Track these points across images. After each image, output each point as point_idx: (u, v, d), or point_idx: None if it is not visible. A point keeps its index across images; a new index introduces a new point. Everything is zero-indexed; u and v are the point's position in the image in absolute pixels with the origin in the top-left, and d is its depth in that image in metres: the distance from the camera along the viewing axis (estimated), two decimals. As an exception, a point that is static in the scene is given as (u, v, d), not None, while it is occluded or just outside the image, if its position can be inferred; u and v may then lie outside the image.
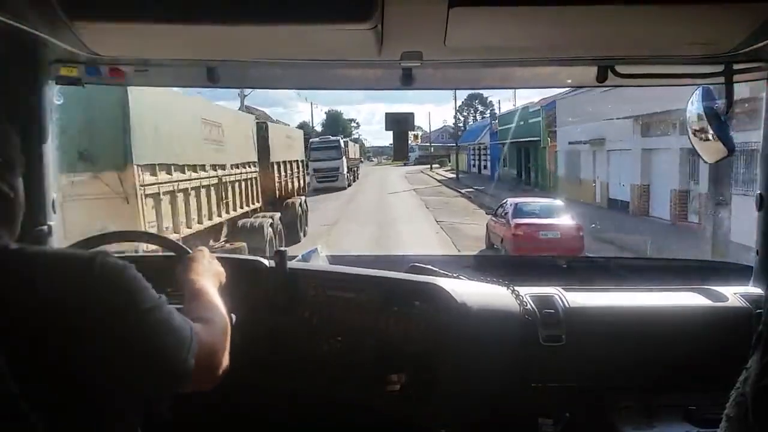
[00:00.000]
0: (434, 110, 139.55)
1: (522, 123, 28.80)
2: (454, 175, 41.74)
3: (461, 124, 68.99)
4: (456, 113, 68.44)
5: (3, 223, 0.94)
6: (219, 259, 1.49)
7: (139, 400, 0.95)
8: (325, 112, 72.82)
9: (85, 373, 0.84)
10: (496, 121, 37.17)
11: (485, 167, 41.43)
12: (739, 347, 1.06)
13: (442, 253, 11.37)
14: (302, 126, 54.84)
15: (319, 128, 61.11)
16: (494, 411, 1.81)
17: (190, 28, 1.37)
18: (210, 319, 1.10)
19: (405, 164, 57.77)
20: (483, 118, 67.97)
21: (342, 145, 31.24)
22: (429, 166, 56.25)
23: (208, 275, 1.34)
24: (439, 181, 39.33)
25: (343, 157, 30.40)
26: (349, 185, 31.46)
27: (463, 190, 28.97)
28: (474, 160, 46.45)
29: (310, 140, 31.01)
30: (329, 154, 29.55)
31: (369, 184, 36.03)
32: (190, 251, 1.56)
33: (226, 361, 1.06)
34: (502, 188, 26.65)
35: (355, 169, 38.29)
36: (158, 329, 0.91)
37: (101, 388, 0.87)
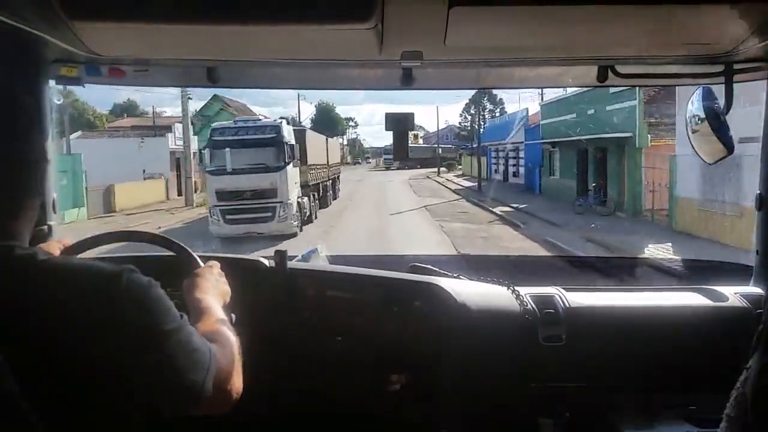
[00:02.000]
0: (434, 111, 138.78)
1: (592, 112, 18.81)
2: (471, 183, 32.28)
3: (467, 124, 62.89)
4: (463, 112, 62.49)
5: (28, 225, 0.95)
6: (218, 258, 1.49)
7: (148, 413, 0.95)
8: (315, 106, 60.46)
9: (98, 385, 0.85)
10: (537, 112, 27.00)
11: (515, 174, 31.54)
12: (739, 347, 1.06)
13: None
14: (288, 121, 50.50)
15: (308, 124, 54.51)
16: (494, 411, 1.81)
17: (190, 28, 1.37)
18: (222, 340, 1.08)
19: (388, 168, 52.59)
20: (492, 117, 61.62)
21: (286, 136, 15.16)
22: (436, 170, 47.37)
23: (214, 293, 1.31)
24: (454, 191, 29.60)
25: (290, 167, 14.95)
26: (309, 222, 16.64)
27: (497, 210, 19.19)
28: (497, 164, 35.73)
29: (213, 127, 16.16)
30: (255, 158, 14.50)
31: (362, 194, 27.76)
32: (199, 261, 1.54)
33: (240, 386, 1.05)
34: (558, 208, 17.66)
35: (330, 183, 21.63)
36: (179, 350, 0.91)
37: (112, 400, 0.87)
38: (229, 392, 1.02)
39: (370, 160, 75.44)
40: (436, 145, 60.32)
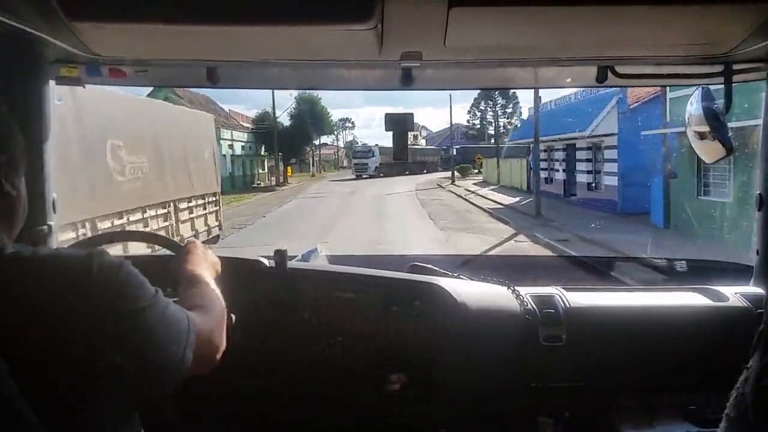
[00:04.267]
0: (433, 113, 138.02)
1: None
2: (511, 199, 21.37)
3: (477, 121, 57.03)
4: (471, 108, 55.67)
5: (3, 224, 0.93)
6: (219, 258, 1.49)
7: (140, 397, 0.95)
8: (295, 97, 45.41)
9: (83, 373, 0.84)
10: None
11: (593, 186, 19.31)
12: (739, 347, 1.06)
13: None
14: (262, 117, 38.92)
15: (286, 120, 42.12)
16: (494, 411, 1.81)
17: (190, 28, 1.37)
18: (206, 306, 1.11)
19: (359, 177, 42.05)
20: (504, 112, 54.59)
21: None
22: (450, 176, 36.81)
23: (204, 265, 1.34)
24: (493, 213, 18.20)
25: None
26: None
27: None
28: (550, 169, 23.71)
29: None
30: None
31: (348, 224, 16.69)
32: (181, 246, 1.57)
33: (223, 344, 1.08)
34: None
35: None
36: (155, 326, 0.91)
37: (100, 387, 0.86)
38: (212, 355, 1.04)
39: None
40: (445, 147, 50.80)
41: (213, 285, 1.24)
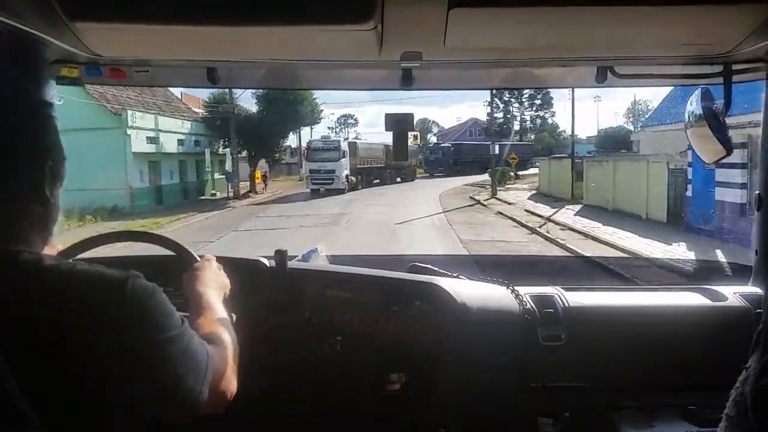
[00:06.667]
0: (437, 112, 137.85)
1: None
2: (654, 245, 11.07)
3: (500, 115, 48.04)
4: (494, 98, 44.70)
5: (40, 230, 0.95)
6: (219, 258, 1.49)
7: (150, 422, 0.96)
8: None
9: (98, 389, 0.86)
10: None
11: None
12: (738, 347, 1.06)
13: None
14: (218, 99, 26.25)
15: (252, 105, 30.12)
16: (494, 411, 1.81)
17: (190, 28, 1.37)
18: (220, 340, 1.10)
19: (316, 192, 27.22)
20: (532, 104, 47.99)
21: None
22: (490, 192, 25.66)
23: (215, 287, 1.33)
24: None
25: None
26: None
27: None
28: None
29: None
30: None
31: None
32: (196, 256, 1.56)
33: (235, 386, 1.07)
34: None
35: None
36: (178, 357, 0.92)
37: (112, 404, 0.88)
38: (224, 393, 1.03)
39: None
40: (432, 147, 41.13)
41: (225, 315, 1.22)
